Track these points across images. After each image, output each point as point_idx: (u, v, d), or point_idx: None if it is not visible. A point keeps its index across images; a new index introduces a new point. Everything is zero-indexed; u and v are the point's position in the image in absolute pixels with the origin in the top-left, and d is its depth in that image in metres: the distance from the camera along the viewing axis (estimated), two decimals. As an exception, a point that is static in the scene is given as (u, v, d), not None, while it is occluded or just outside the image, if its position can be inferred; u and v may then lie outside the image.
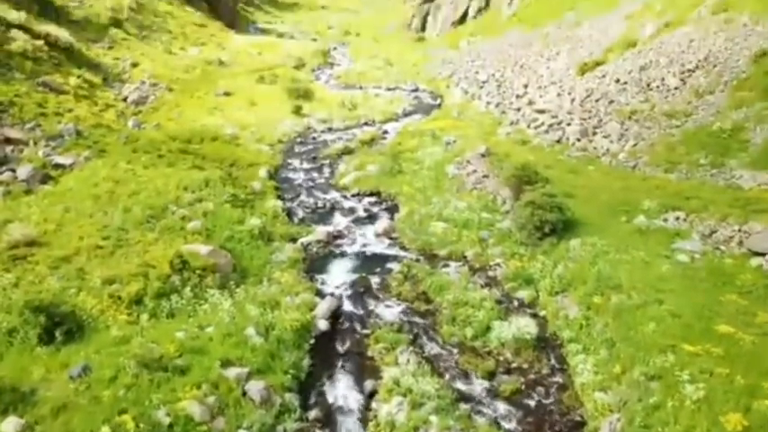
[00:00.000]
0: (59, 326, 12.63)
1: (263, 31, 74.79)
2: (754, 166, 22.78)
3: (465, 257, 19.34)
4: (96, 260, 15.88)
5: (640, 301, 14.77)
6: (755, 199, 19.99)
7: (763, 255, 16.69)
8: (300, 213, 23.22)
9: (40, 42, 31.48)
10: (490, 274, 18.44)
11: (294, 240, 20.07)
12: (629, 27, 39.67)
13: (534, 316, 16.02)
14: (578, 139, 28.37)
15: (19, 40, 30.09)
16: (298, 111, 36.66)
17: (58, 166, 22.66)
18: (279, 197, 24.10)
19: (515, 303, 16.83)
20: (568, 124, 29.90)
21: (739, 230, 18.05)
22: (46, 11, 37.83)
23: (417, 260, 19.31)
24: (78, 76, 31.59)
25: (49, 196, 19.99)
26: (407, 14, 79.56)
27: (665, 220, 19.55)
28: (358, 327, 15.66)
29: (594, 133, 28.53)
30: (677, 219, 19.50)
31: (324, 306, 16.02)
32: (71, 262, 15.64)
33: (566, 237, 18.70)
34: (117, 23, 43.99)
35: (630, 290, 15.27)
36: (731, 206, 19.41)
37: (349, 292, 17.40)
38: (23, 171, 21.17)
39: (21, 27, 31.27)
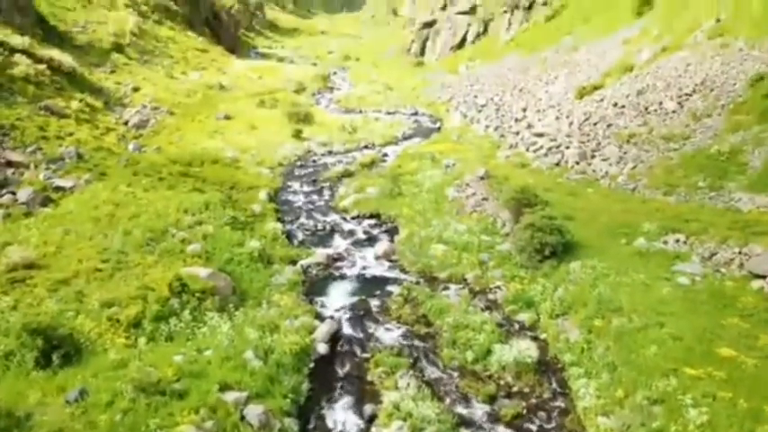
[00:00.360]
0: (57, 349, 12.54)
1: (264, 56, 75.64)
2: (752, 188, 22.84)
3: (465, 280, 19.28)
4: (95, 283, 15.82)
5: (641, 323, 14.68)
6: (754, 221, 20.01)
7: (763, 277, 16.64)
8: (300, 236, 23.21)
9: (43, 67, 31.80)
10: (490, 296, 18.37)
11: (294, 263, 20.03)
12: (627, 52, 40.12)
13: (535, 339, 15.91)
14: (577, 162, 28.49)
15: (22, 65, 30.39)
16: (298, 134, 36.89)
17: (58, 188, 22.71)
18: (279, 219, 24.13)
19: (516, 326, 16.74)
20: (567, 147, 30.05)
21: (739, 253, 18.03)
22: (50, 36, 38.33)
23: (417, 283, 19.25)
24: (80, 100, 31.83)
25: (49, 219, 19.99)
26: (407, 40, 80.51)
27: (665, 242, 19.54)
28: (358, 350, 15.54)
29: (593, 156, 28.65)
30: (677, 241, 19.49)
31: (323, 329, 15.92)
32: (70, 284, 15.58)
33: (566, 259, 18.67)
34: (119, 48, 44.49)
35: (631, 313, 15.19)
36: (731, 228, 19.42)
37: (349, 314, 17.31)
38: (24, 194, 21.20)
39: (24, 52, 31.61)
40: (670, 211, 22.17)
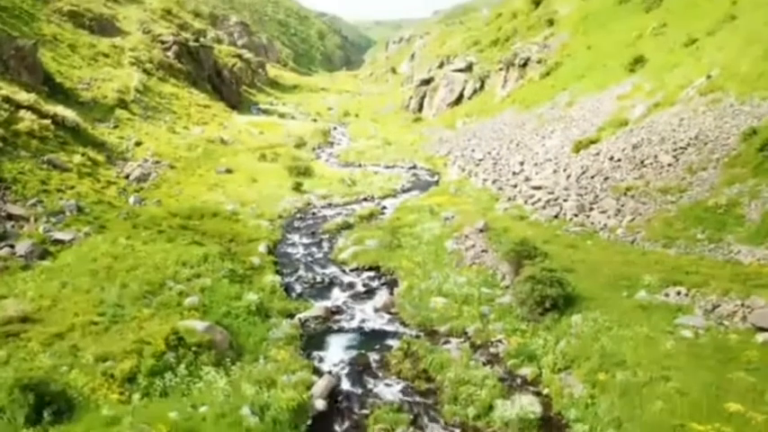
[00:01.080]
0: (48, 405, 12.22)
1: (265, 112, 77.06)
2: (751, 241, 22.83)
3: (466, 333, 19.01)
4: (90, 337, 15.58)
5: (646, 378, 14.40)
6: (755, 274, 19.91)
7: (767, 330, 16.44)
8: (298, 288, 23.04)
9: (48, 122, 32.36)
10: (492, 350, 18.08)
11: (291, 316, 19.80)
12: (621, 107, 40.91)
13: (538, 394, 15.56)
14: (575, 215, 28.60)
15: (27, 120, 30.95)
16: (298, 187, 37.19)
17: (57, 241, 22.69)
18: (277, 272, 24.00)
19: (518, 381, 16.40)
20: (565, 200, 30.24)
21: (742, 305, 17.85)
22: (55, 93, 39.17)
23: (417, 336, 18.97)
24: (82, 155, 32.23)
25: (47, 272, 19.88)
26: (405, 96, 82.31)
27: (667, 294, 19.39)
28: (356, 406, 15.17)
29: (591, 209, 28.79)
30: (678, 294, 19.34)
31: (321, 385, 15.58)
32: (64, 339, 15.34)
33: (567, 312, 18.47)
34: (123, 104, 45.36)
35: (635, 367, 14.92)
36: (732, 281, 19.30)
37: (347, 370, 16.98)
38: (22, 247, 21.16)
39: (30, 108, 32.24)
40: (670, 263, 22.09)
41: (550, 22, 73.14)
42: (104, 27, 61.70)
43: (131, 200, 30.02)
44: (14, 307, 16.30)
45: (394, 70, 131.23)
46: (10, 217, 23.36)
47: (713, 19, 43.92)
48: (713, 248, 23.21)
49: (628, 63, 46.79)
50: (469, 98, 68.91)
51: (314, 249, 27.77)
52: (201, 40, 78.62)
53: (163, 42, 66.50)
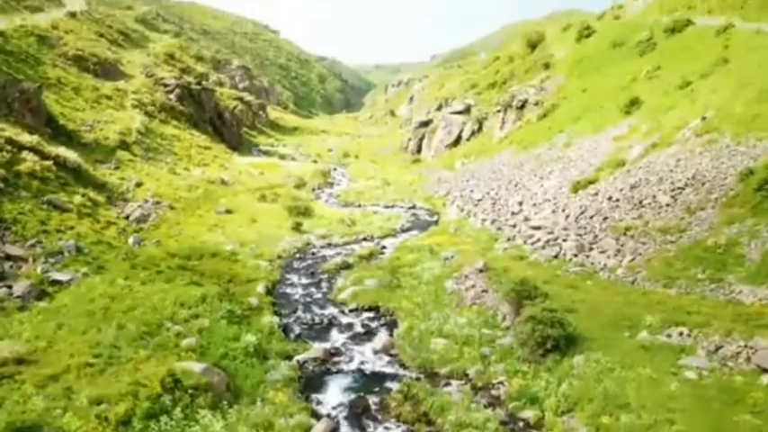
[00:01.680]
0: (40, 450, 11.97)
1: (266, 153, 77.75)
2: (751, 281, 22.74)
3: (467, 375, 18.74)
4: (85, 379, 15.35)
5: (651, 420, 14.14)
6: (757, 314, 19.77)
7: (772, 371, 16.21)
8: (297, 329, 22.81)
9: (49, 163, 32.57)
10: (493, 392, 17.79)
11: (290, 358, 19.54)
12: (618, 148, 41.31)
13: (541, 438, 15.25)
14: (575, 255, 28.56)
15: (29, 161, 31.18)
16: (297, 227, 37.23)
17: (55, 282, 22.56)
18: (276, 313, 23.80)
19: (520, 424, 16.09)
20: (564, 240, 30.25)
21: (746, 346, 17.66)
22: (58, 134, 39.59)
23: (417, 379, 18.70)
24: (83, 195, 32.34)
25: (43, 312, 19.71)
26: (404, 138, 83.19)
27: (669, 335, 19.21)
28: (356, 451, 14.84)
29: (591, 249, 28.77)
30: (681, 334, 19.16)
31: (319, 428, 15.27)
32: (59, 380, 15.11)
33: (569, 353, 18.26)
34: (125, 146, 45.77)
35: (639, 409, 14.67)
36: (734, 321, 19.15)
37: (346, 413, 16.67)
38: (19, 287, 21.03)
39: (32, 149, 32.50)
40: (671, 303, 21.96)
41: (546, 66, 74.56)
42: (108, 71, 62.82)
43: (131, 240, 29.98)
44: (9, 348, 16.11)
45: (393, 113, 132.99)
46: (8, 257, 23.29)
47: (706, 62, 44.82)
48: (714, 288, 23.10)
49: (623, 105, 47.48)
50: (468, 139, 69.65)
51: (313, 289, 27.62)
52: (203, 83, 79.95)
53: (165, 85, 67.61)
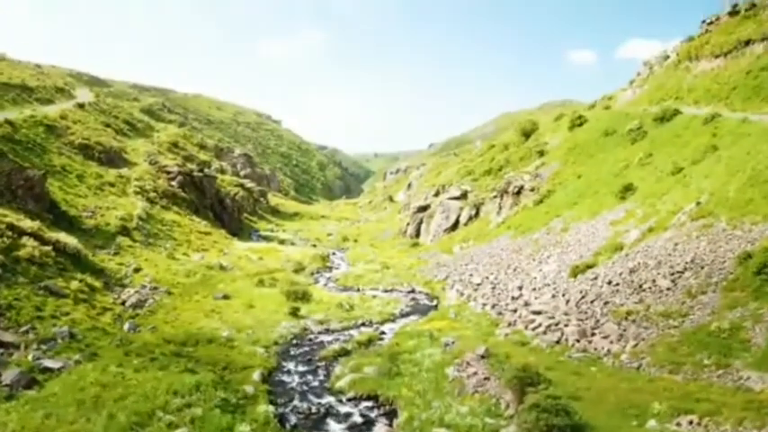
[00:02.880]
0: None
1: (265, 238, 78.16)
2: (759, 366, 22.24)
3: (470, 468, 17.92)
4: (70, 473, 14.65)
5: None
6: (768, 401, 19.18)
7: (789, 462, 15.54)
8: (293, 419, 22.01)
9: (49, 248, 32.71)
10: (498, 487, 16.93)
11: (286, 450, 18.76)
12: (615, 232, 41.64)
13: None
14: (577, 340, 28.07)
15: (28, 247, 31.31)
16: (295, 312, 36.80)
17: (46, 369, 22.01)
18: (271, 402, 23.04)
19: None
20: (566, 325, 29.83)
21: (758, 435, 17.03)
22: (59, 220, 40.00)
23: (418, 472, 17.86)
24: (80, 281, 32.19)
25: (31, 402, 19.09)
26: (402, 223, 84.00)
27: (678, 424, 18.55)
28: None
29: (593, 334, 28.33)
30: (690, 423, 18.51)
31: None
32: (43, 475, 14.42)
33: (576, 443, 17.55)
34: (125, 232, 46.11)
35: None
36: (745, 409, 18.55)
37: None
38: (9, 375, 20.49)
39: (32, 234, 32.72)
40: (678, 390, 21.36)
41: (541, 153, 76.51)
42: (113, 159, 64.33)
43: (126, 326, 29.54)
44: (-7, 440, 15.49)
45: (391, 199, 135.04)
46: (1, 344, 22.85)
47: (696, 149, 46.08)
48: (721, 374, 22.55)
49: (618, 190, 48.35)
50: (465, 224, 70.28)
51: (310, 377, 26.91)
52: (205, 170, 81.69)
53: (168, 173, 69.05)
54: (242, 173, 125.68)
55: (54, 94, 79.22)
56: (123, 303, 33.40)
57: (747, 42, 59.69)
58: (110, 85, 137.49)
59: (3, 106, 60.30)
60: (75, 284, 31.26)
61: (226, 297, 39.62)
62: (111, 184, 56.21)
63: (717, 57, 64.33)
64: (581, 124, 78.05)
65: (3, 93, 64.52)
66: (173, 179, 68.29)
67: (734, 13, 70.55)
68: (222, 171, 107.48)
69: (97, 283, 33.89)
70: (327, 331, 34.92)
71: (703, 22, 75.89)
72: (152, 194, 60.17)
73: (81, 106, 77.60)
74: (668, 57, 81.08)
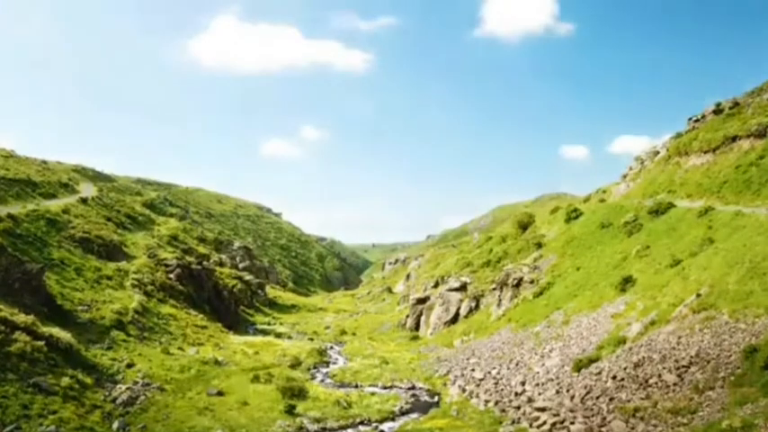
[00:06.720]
0: None
1: (262, 332, 76.92)
2: (776, 467, 21.28)
3: None
4: None
5: None
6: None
7: None
8: None
9: (41, 343, 32.15)
10: None
11: None
12: (617, 325, 41.09)
13: None
14: (585, 439, 26.99)
15: (20, 342, 30.80)
16: (291, 410, 35.60)
17: (28, 473, 20.99)
18: None
19: None
20: (572, 422, 28.79)
21: None
22: (54, 314, 39.56)
23: None
24: (71, 377, 31.40)
25: None
26: (401, 315, 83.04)
27: None
28: None
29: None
30: None
31: None
32: None
33: None
34: (120, 325, 45.43)
35: None
36: None
37: None
38: (-11, 480, 19.52)
39: (26, 329, 32.23)
40: (694, 494, 20.31)
41: (538, 245, 76.99)
42: (112, 252, 64.43)
43: (115, 425, 28.48)
44: None
45: (390, 290, 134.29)
46: (-17, 445, 21.94)
47: (693, 242, 46.44)
48: (737, 476, 21.53)
49: (617, 283, 48.19)
50: (465, 316, 69.48)
51: (306, 481, 25.59)
52: (204, 263, 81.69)
53: (166, 266, 69.00)
54: (241, 265, 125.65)
55: (58, 188, 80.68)
56: (114, 401, 32.34)
57: (734, 138, 61.87)
58: (114, 179, 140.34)
59: (6, 201, 61.22)
60: (65, 381, 30.42)
61: (220, 393, 38.43)
62: (109, 278, 55.97)
63: (705, 152, 66.40)
64: (577, 217, 79.16)
65: (7, 188, 65.70)
66: (171, 272, 68.15)
67: (718, 111, 73.59)
68: (221, 264, 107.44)
69: (88, 380, 32.97)
70: (324, 430, 33.62)
71: (690, 119, 79.09)
72: (149, 287, 59.79)
73: (84, 201, 78.78)
74: (658, 152, 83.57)
